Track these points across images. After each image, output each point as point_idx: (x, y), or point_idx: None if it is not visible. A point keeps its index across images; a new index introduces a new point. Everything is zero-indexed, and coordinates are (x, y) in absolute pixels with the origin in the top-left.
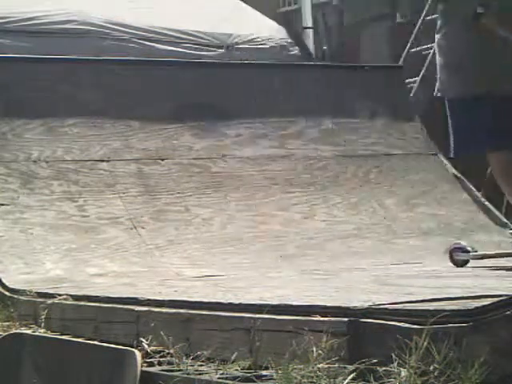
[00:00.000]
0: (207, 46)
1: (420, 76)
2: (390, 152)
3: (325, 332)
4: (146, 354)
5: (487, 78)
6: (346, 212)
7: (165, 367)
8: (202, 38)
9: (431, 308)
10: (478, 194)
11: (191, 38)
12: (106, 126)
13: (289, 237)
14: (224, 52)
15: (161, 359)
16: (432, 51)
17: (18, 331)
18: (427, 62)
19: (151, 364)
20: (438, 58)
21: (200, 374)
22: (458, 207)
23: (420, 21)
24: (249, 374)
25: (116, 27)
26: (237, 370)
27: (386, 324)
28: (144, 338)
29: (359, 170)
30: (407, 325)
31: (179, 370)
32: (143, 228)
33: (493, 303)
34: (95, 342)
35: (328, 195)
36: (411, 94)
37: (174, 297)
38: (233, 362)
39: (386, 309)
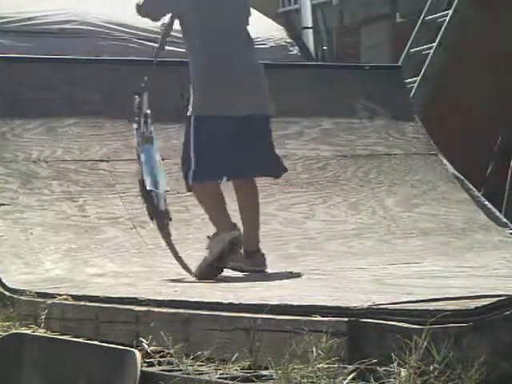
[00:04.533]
0: None
1: (420, 76)
2: (390, 152)
3: (325, 332)
4: (146, 354)
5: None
6: (346, 212)
7: (165, 367)
8: None
9: (431, 308)
10: (478, 194)
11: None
12: (106, 126)
13: (289, 237)
14: None
15: (161, 359)
16: (432, 51)
17: (18, 331)
18: (427, 61)
19: (151, 364)
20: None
21: (200, 374)
22: (457, 207)
23: (420, 21)
24: (249, 374)
25: (116, 27)
26: (237, 370)
27: (386, 324)
28: (144, 338)
29: (359, 170)
30: (407, 325)
31: (179, 370)
32: (143, 228)
33: (493, 303)
34: (95, 342)
35: (328, 195)
36: (411, 94)
37: (174, 297)
38: (233, 362)
39: (385, 309)
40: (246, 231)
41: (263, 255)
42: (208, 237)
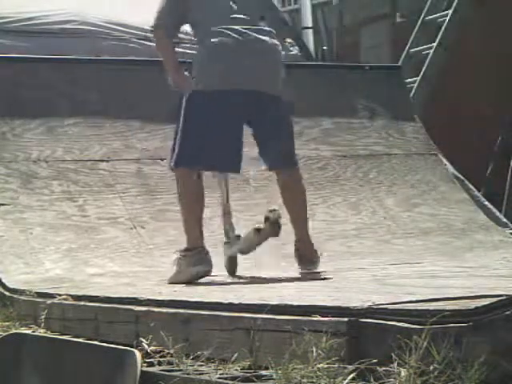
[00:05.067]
0: None
1: (420, 76)
2: (390, 152)
3: (325, 332)
4: (146, 354)
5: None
6: (346, 212)
7: (165, 367)
8: None
9: (431, 308)
10: (478, 194)
11: (190, 37)
12: (106, 125)
13: (289, 237)
14: None
15: (161, 359)
16: (432, 51)
17: (18, 331)
18: (427, 62)
19: (151, 364)
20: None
21: (200, 374)
22: (457, 207)
23: (420, 21)
24: (249, 374)
25: (116, 27)
26: (237, 370)
27: (386, 324)
28: (144, 338)
29: (359, 170)
30: (407, 325)
31: (179, 370)
32: (143, 228)
33: (493, 303)
34: (95, 342)
35: (328, 195)
36: (411, 94)
37: (174, 297)
38: (233, 362)
39: (386, 309)
40: (295, 231)
41: (317, 255)
42: (177, 251)
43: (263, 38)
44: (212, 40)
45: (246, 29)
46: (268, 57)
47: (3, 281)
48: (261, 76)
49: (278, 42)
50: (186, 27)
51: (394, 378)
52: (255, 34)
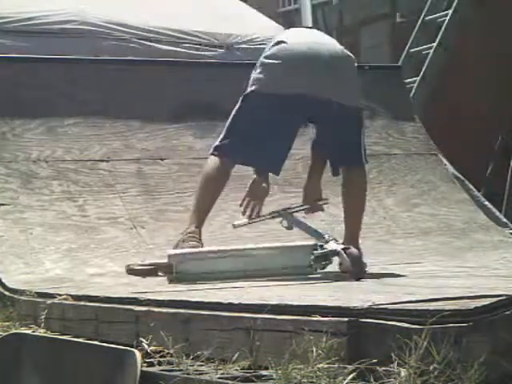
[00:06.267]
0: (207, 45)
1: (420, 76)
2: (390, 152)
3: (325, 332)
4: (146, 354)
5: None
6: None
7: (165, 367)
8: (202, 38)
9: (431, 308)
10: (478, 194)
11: (191, 37)
12: (106, 125)
13: (288, 237)
14: (224, 52)
15: (161, 359)
16: (432, 51)
17: (18, 331)
18: (427, 61)
19: (151, 364)
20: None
21: (200, 374)
22: (457, 207)
23: (420, 21)
24: (248, 374)
25: (116, 27)
26: (237, 370)
27: (386, 324)
28: (144, 338)
29: None
30: (407, 325)
31: (179, 370)
32: (143, 228)
33: (493, 303)
34: (95, 342)
35: (328, 195)
36: (411, 94)
37: (174, 297)
38: (233, 362)
39: (385, 309)
40: (345, 227)
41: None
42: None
43: (332, 46)
44: (277, 47)
45: (315, 40)
46: (336, 66)
47: (3, 281)
48: (325, 83)
49: (350, 54)
50: (187, 27)
51: (394, 378)
52: (325, 44)
